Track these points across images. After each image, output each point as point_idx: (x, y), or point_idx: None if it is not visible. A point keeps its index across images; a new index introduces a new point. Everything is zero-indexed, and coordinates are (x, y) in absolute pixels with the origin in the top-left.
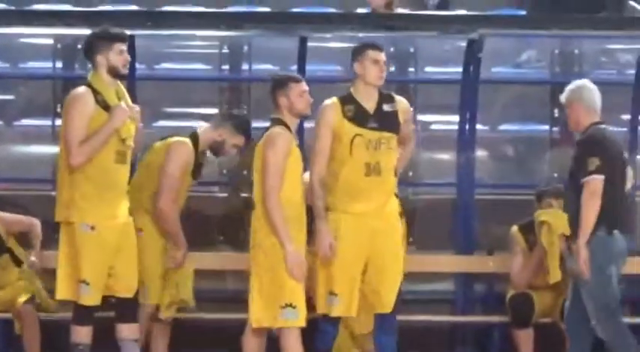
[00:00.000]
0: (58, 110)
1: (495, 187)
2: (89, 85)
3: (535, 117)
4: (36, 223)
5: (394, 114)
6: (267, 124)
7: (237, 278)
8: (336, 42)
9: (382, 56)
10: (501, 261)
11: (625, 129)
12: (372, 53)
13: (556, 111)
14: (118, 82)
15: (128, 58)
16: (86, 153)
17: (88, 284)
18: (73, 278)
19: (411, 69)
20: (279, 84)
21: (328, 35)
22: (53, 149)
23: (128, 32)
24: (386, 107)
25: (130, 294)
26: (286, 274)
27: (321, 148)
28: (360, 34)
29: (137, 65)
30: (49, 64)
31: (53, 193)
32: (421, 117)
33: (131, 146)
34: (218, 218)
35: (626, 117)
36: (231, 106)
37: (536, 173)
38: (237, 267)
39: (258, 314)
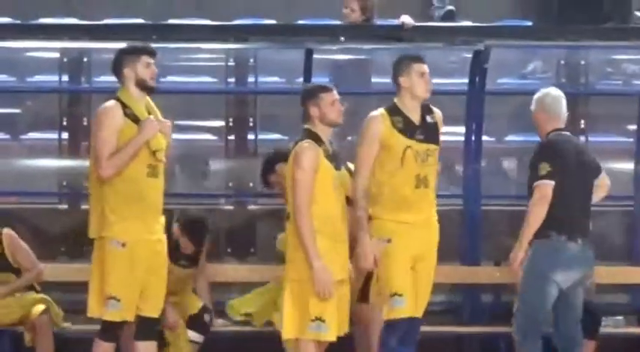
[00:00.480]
0: (64, 123)
1: (502, 198)
2: (118, 99)
3: None
4: (40, 271)
5: (436, 126)
6: (275, 137)
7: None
8: (343, 54)
9: (426, 68)
10: (508, 272)
11: (631, 139)
12: (417, 66)
13: None
14: (147, 97)
15: (155, 70)
16: (115, 166)
17: (118, 300)
18: (103, 294)
19: None
20: (310, 94)
21: (334, 47)
22: (59, 162)
23: None
24: (429, 119)
25: (156, 314)
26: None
27: (367, 159)
28: (366, 47)
29: None
30: (56, 78)
31: (59, 206)
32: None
33: (163, 160)
34: (225, 230)
35: (632, 127)
36: (237, 119)
37: None
38: (241, 279)
39: (289, 326)
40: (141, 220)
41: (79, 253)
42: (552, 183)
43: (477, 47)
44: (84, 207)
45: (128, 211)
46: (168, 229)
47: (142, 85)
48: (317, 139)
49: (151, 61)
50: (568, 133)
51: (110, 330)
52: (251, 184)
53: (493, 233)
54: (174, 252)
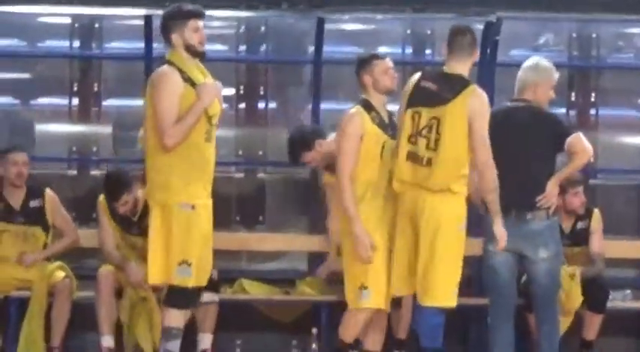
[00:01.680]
0: (75, 89)
1: None
2: (170, 63)
3: (552, 101)
4: (78, 239)
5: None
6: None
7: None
8: (353, 23)
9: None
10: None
11: None
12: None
13: (573, 94)
14: (197, 61)
15: (204, 35)
16: (182, 133)
17: (189, 265)
18: (172, 260)
19: (428, 51)
20: (363, 62)
21: (346, 16)
22: (69, 128)
23: (145, 12)
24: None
25: (203, 283)
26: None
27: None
28: (379, 16)
29: (155, 46)
30: (67, 43)
31: (69, 172)
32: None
33: (216, 125)
34: (234, 198)
35: None
36: (248, 87)
37: None
38: (250, 247)
39: (349, 295)
40: (202, 185)
41: (89, 219)
42: None
43: (488, 19)
44: (93, 172)
45: (193, 176)
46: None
47: (192, 51)
48: (369, 107)
49: (200, 24)
50: (522, 104)
51: (185, 297)
52: (260, 152)
53: None
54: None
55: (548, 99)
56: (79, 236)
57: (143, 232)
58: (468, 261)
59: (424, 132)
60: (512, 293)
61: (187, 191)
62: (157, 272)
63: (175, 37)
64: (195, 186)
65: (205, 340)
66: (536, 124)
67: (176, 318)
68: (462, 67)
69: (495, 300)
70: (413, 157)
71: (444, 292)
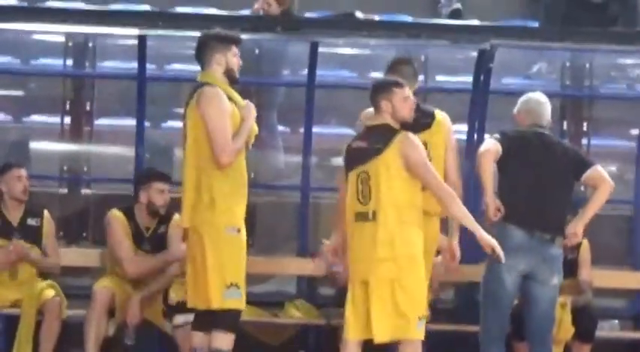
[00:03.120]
0: (67, 107)
1: None
2: (209, 84)
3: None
4: (59, 265)
5: None
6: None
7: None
8: (348, 48)
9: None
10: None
11: (633, 143)
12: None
13: (565, 123)
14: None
15: (240, 62)
16: (236, 153)
17: (239, 287)
18: (220, 283)
19: (422, 77)
20: (381, 88)
21: (340, 41)
22: (61, 146)
23: (139, 32)
24: None
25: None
26: None
27: None
28: (372, 42)
29: (148, 65)
30: (60, 62)
31: (60, 190)
32: None
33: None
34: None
35: (635, 131)
36: None
37: None
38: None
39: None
40: (243, 206)
41: (78, 238)
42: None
43: (482, 46)
44: (84, 191)
45: (237, 197)
46: None
47: (230, 74)
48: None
49: (237, 51)
50: (544, 131)
51: (236, 319)
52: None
53: None
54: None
55: None
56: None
57: (153, 248)
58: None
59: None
60: (508, 314)
61: (234, 212)
62: (217, 295)
63: (219, 58)
64: (239, 208)
65: None
66: (566, 150)
67: (227, 341)
68: None
69: (493, 317)
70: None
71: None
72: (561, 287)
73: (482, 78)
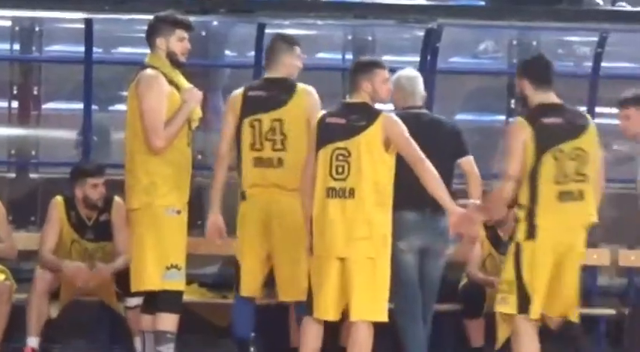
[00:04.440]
0: (15, 92)
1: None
2: (152, 67)
3: (492, 107)
4: (13, 251)
5: None
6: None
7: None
8: (295, 29)
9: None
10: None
11: None
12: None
13: (512, 102)
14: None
15: (188, 46)
16: (170, 137)
17: (179, 269)
18: (160, 265)
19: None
20: (364, 68)
21: (286, 22)
22: (8, 131)
23: (86, 16)
24: None
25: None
26: None
27: None
28: (319, 22)
29: (95, 49)
30: (7, 46)
31: (8, 175)
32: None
33: (193, 130)
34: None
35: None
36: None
37: (491, 164)
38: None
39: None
40: (185, 188)
41: (27, 222)
42: None
43: (429, 26)
44: (32, 175)
45: (178, 179)
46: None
47: (172, 59)
48: None
49: (186, 35)
50: (422, 111)
51: (178, 300)
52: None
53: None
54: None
55: None
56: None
57: (96, 237)
58: None
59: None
60: (418, 293)
61: (174, 195)
62: (151, 277)
63: (160, 41)
64: (180, 191)
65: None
66: (440, 129)
67: (171, 322)
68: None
69: (405, 299)
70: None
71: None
72: None
73: (429, 57)
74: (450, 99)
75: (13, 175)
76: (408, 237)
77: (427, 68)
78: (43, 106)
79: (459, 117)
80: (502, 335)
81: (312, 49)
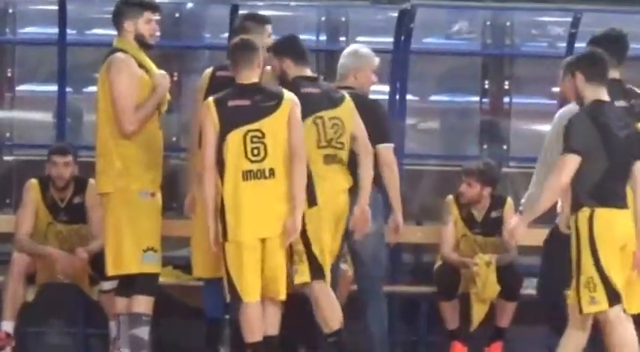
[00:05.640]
0: None
1: (424, 158)
2: (121, 51)
3: (466, 88)
4: None
5: None
6: None
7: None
8: (268, 10)
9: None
10: (430, 231)
11: (554, 101)
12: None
13: (486, 82)
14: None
15: (156, 27)
16: (141, 120)
17: (155, 251)
18: (136, 248)
19: (343, 38)
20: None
21: (260, 3)
22: None
23: None
24: None
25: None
26: None
27: None
28: (293, 3)
29: (68, 30)
30: None
31: None
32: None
33: (163, 113)
34: None
35: (556, 89)
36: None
37: (465, 144)
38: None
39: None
40: (158, 171)
41: (2, 204)
42: None
43: (403, 6)
44: (6, 158)
45: (151, 164)
46: None
47: (141, 41)
48: None
49: (154, 17)
50: (346, 90)
51: (153, 283)
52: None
53: (415, 192)
54: None
55: (371, 84)
56: None
57: (70, 220)
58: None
59: None
60: (333, 277)
61: (147, 178)
62: (129, 260)
63: (128, 25)
64: (153, 173)
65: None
66: (360, 108)
67: (146, 305)
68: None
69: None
70: None
71: None
72: (485, 246)
73: (402, 38)
74: (424, 80)
75: None
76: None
77: (401, 49)
78: (17, 88)
79: (433, 97)
80: (477, 316)
81: (286, 30)
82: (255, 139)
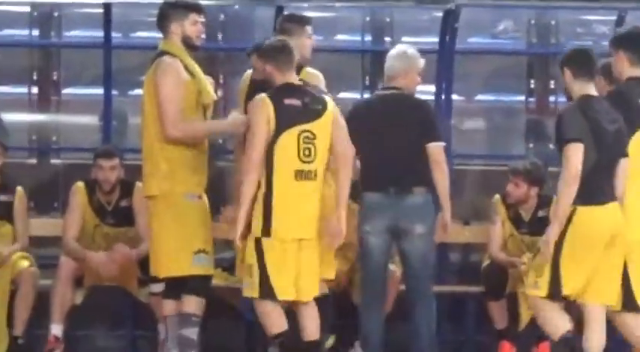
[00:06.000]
0: (35, 77)
1: (469, 157)
2: (168, 53)
3: (511, 87)
4: (25, 247)
5: None
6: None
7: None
8: (313, 11)
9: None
10: (477, 231)
11: None
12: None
13: (532, 81)
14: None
15: (202, 29)
16: (186, 133)
17: (207, 253)
18: (187, 250)
19: (387, 39)
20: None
21: (305, 4)
22: (29, 117)
23: (103, 0)
24: None
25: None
26: None
27: None
28: (338, 4)
29: (113, 33)
30: (26, 32)
31: (29, 161)
32: None
33: (209, 116)
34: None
35: None
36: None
37: (511, 144)
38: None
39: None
40: (203, 174)
41: (49, 208)
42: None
43: (447, 6)
44: (53, 161)
45: (196, 165)
46: None
47: (187, 43)
48: None
49: (199, 18)
50: (392, 91)
51: (205, 284)
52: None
53: (463, 192)
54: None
55: (416, 85)
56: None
57: (117, 223)
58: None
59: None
60: (380, 277)
61: (192, 181)
62: (177, 263)
63: (175, 27)
64: (199, 176)
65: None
66: (407, 110)
67: (196, 305)
68: None
69: (364, 282)
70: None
71: None
72: (532, 246)
73: (448, 38)
74: (469, 79)
75: (34, 161)
76: (372, 218)
77: (446, 49)
78: (63, 91)
79: (479, 97)
80: (525, 316)
81: (331, 31)
82: (307, 140)
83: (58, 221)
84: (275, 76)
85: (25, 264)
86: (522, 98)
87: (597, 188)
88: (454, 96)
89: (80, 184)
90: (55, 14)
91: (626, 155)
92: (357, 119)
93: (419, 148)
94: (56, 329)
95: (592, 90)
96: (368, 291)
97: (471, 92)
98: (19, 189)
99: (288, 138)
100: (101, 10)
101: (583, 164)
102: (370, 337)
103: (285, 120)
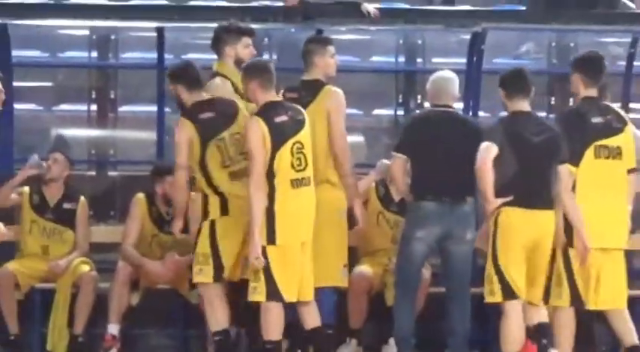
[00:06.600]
0: (93, 96)
1: None
2: (220, 75)
3: (533, 105)
4: (86, 253)
5: None
6: None
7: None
8: (350, 34)
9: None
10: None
11: None
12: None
13: (553, 99)
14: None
15: (254, 51)
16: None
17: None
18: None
19: (419, 60)
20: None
21: (343, 28)
22: (88, 132)
23: (157, 24)
24: None
25: None
26: None
27: None
28: (372, 28)
29: (166, 55)
30: (85, 54)
31: (88, 173)
32: (428, 105)
33: None
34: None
35: (617, 104)
36: None
37: None
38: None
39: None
40: None
41: (107, 216)
42: (399, 155)
43: (474, 29)
44: (110, 173)
45: None
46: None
47: (240, 65)
48: None
49: (250, 42)
50: (446, 109)
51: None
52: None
53: None
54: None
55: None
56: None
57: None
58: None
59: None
60: (417, 281)
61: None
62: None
63: (229, 50)
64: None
65: None
66: (459, 126)
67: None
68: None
69: (401, 286)
70: None
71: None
72: None
73: (475, 59)
74: (495, 98)
75: (93, 173)
76: (426, 226)
77: (473, 69)
78: (120, 109)
79: (504, 114)
80: None
81: (368, 53)
82: (298, 150)
83: (115, 228)
84: (257, 94)
85: (85, 268)
86: (544, 114)
87: (523, 193)
88: (480, 113)
89: (141, 196)
90: (112, 37)
91: (560, 162)
92: (414, 132)
93: (468, 160)
94: (113, 329)
95: (523, 106)
96: (403, 293)
97: (496, 109)
98: (82, 198)
99: (284, 153)
100: (154, 34)
101: (504, 171)
102: (403, 334)
103: (279, 138)
